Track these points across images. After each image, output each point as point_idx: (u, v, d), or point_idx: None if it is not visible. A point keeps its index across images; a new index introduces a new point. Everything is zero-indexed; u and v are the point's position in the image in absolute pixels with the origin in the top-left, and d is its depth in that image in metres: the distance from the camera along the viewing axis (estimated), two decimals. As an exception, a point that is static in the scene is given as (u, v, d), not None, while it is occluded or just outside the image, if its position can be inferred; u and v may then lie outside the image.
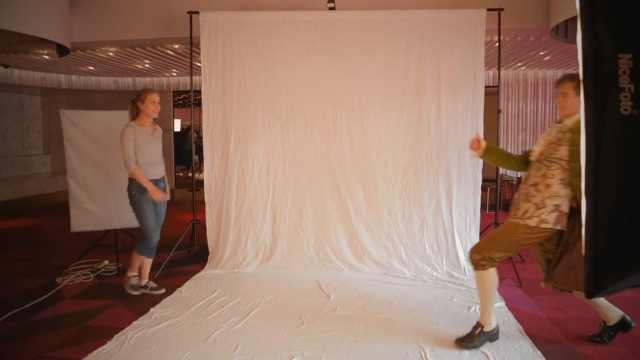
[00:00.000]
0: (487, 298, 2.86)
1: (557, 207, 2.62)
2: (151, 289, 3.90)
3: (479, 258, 2.78)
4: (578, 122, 2.67)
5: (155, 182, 3.76)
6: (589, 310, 3.41)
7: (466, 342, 2.84)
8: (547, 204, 2.63)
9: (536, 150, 2.83)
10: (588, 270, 0.93)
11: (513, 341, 2.93)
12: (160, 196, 3.73)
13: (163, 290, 3.89)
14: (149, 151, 3.75)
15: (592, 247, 0.91)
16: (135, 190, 3.70)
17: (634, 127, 0.86)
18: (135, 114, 3.80)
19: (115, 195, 4.72)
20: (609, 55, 0.89)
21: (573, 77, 2.76)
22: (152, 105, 3.75)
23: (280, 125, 4.61)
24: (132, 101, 3.82)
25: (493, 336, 2.89)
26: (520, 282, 4.06)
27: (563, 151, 2.65)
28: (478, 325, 2.88)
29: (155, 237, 3.78)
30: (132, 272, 3.85)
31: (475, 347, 2.81)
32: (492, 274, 2.81)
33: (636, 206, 0.89)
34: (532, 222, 2.65)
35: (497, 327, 2.92)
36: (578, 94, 2.61)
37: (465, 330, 3.09)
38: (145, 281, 3.92)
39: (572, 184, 2.60)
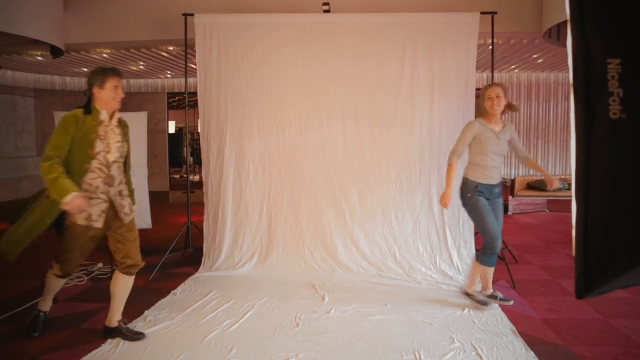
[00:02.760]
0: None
1: None
2: (500, 299, 3.51)
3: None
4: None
5: (490, 188, 3.44)
6: (582, 312, 3.44)
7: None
8: None
9: None
10: (579, 272, 0.94)
11: (507, 342, 2.95)
12: (445, 202, 3.45)
13: (512, 302, 3.50)
14: (492, 151, 3.42)
15: (582, 248, 0.92)
16: (471, 193, 3.44)
17: (622, 131, 0.88)
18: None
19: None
20: (599, 60, 0.91)
21: None
22: (489, 102, 3.43)
23: (276, 127, 4.62)
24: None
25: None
26: (514, 284, 4.09)
27: None
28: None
29: (499, 244, 3.40)
30: (472, 287, 3.62)
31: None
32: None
33: (625, 208, 0.91)
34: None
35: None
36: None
37: (459, 331, 3.11)
38: (491, 290, 3.58)
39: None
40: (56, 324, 3.32)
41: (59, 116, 4.57)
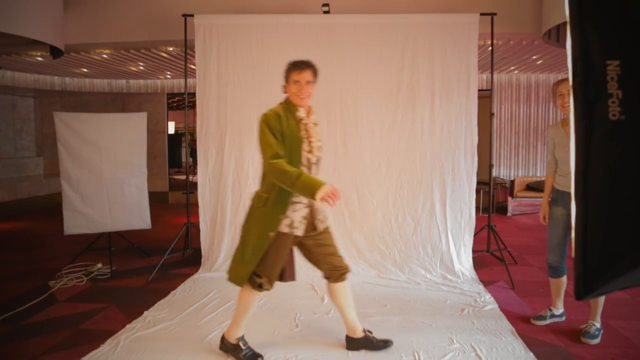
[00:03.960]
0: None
1: None
2: (550, 315, 3.31)
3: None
4: None
5: (565, 196, 3.08)
6: (580, 312, 3.44)
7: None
8: None
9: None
10: (578, 272, 0.94)
11: (506, 343, 2.95)
12: (540, 215, 3.30)
13: (541, 323, 3.30)
14: (564, 157, 3.07)
15: (581, 249, 0.92)
16: (551, 199, 3.27)
17: (621, 132, 0.88)
18: None
19: (108, 198, 4.71)
20: (598, 61, 0.91)
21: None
22: (559, 100, 3.01)
23: (275, 128, 4.61)
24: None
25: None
26: (513, 284, 4.09)
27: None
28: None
29: (550, 257, 3.24)
30: (556, 308, 3.33)
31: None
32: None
33: (624, 210, 0.91)
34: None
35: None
36: None
37: (459, 332, 3.11)
38: (553, 308, 3.35)
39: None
40: (55, 324, 3.32)
41: (58, 117, 4.56)
